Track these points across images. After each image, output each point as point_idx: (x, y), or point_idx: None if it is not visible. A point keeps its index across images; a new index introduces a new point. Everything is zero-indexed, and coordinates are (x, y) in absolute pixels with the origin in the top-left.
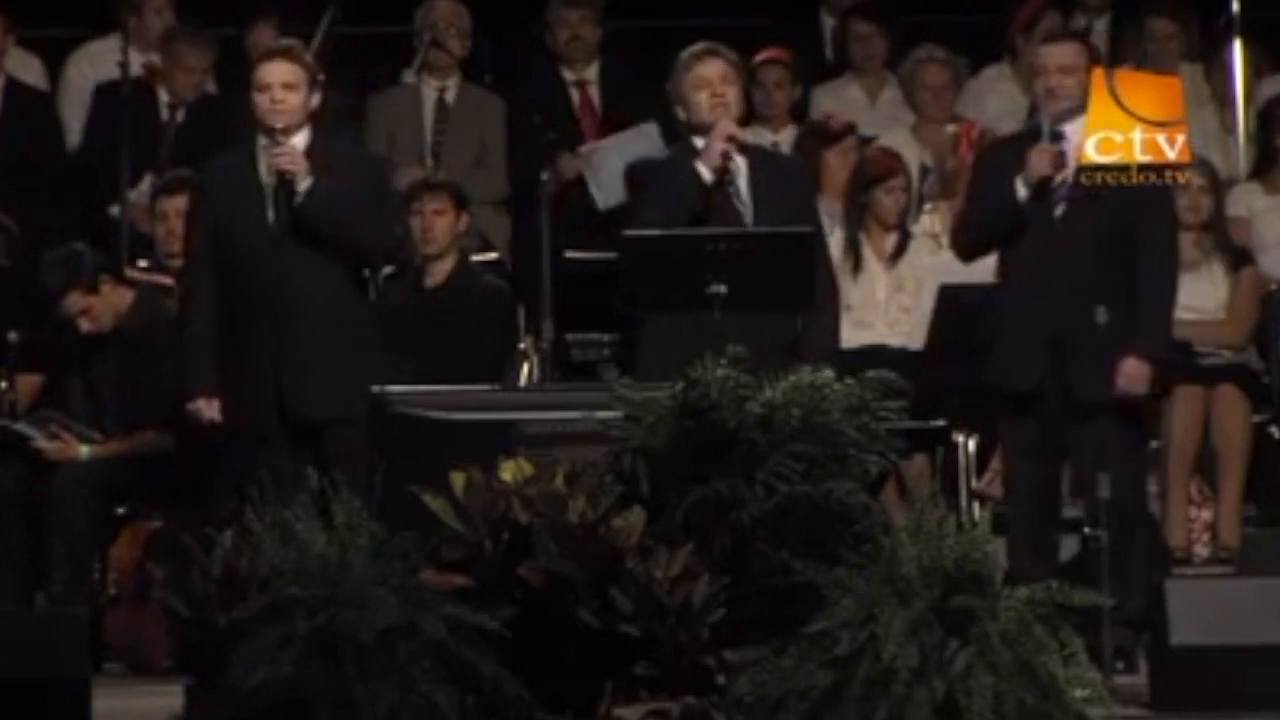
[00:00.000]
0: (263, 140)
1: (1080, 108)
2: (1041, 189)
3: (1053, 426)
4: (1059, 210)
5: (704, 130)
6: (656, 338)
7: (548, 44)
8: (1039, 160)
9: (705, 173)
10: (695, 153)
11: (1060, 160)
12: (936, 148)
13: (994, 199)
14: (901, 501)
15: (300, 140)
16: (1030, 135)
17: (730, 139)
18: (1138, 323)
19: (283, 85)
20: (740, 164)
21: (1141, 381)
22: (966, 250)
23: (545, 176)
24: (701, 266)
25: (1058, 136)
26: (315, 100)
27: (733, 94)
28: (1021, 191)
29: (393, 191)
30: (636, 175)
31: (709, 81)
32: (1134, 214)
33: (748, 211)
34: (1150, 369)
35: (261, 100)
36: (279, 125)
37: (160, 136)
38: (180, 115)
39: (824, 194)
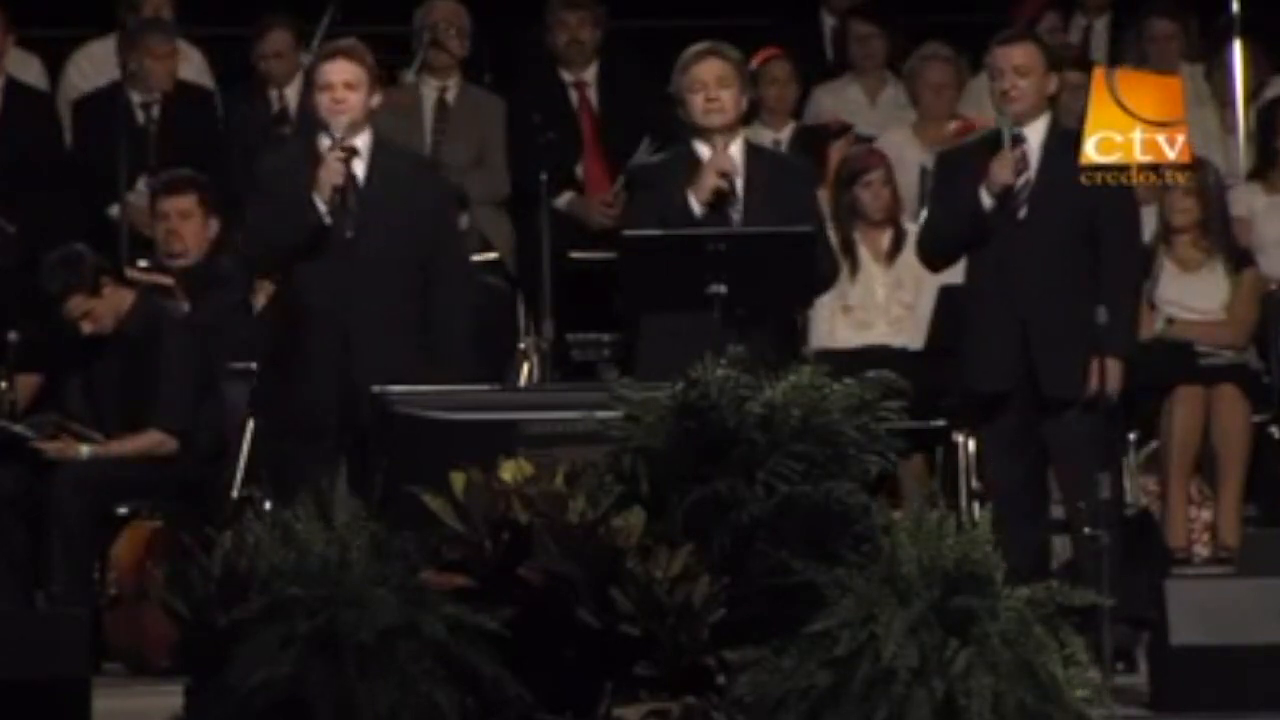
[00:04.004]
0: (325, 141)
1: (1037, 109)
2: (1005, 195)
3: (1029, 425)
4: (1022, 212)
5: (701, 133)
6: (653, 338)
7: (547, 45)
8: (1001, 170)
9: (696, 206)
10: (694, 158)
11: (1021, 164)
12: (940, 145)
13: (958, 209)
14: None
15: (361, 142)
16: (989, 140)
17: (723, 175)
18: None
19: (345, 85)
20: (737, 181)
21: (1113, 380)
22: (933, 260)
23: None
24: (701, 266)
25: (1017, 139)
26: (376, 100)
27: (729, 96)
28: (986, 201)
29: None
30: (634, 178)
31: (704, 84)
32: (1096, 213)
33: (739, 216)
34: (1121, 367)
35: (323, 99)
36: (341, 125)
37: (143, 140)
38: (155, 113)
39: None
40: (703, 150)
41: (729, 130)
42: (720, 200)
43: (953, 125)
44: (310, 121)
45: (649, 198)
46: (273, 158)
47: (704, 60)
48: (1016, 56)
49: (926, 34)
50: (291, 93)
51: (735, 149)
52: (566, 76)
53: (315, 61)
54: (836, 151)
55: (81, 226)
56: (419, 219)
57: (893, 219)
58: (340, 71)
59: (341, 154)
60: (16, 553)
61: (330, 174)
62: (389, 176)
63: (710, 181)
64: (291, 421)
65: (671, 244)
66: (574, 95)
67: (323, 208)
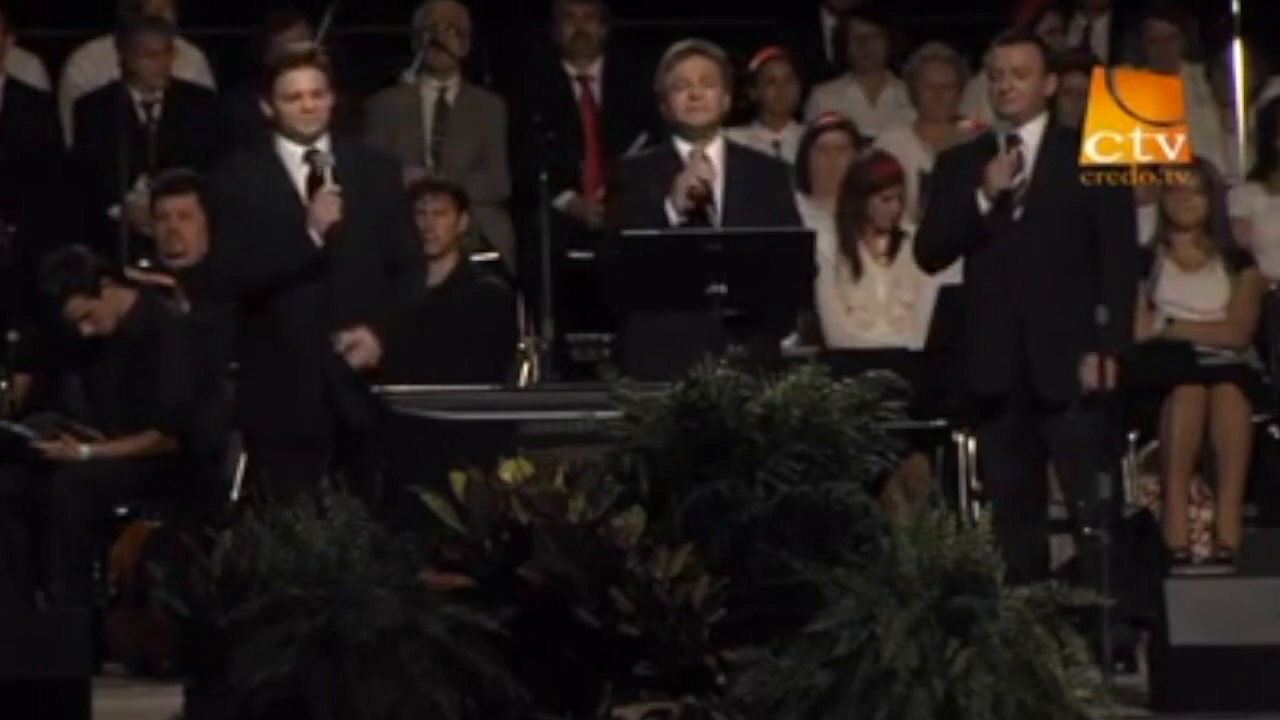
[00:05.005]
0: (297, 149)
1: (1034, 109)
2: (1001, 198)
3: (1027, 426)
4: (1018, 213)
5: (682, 131)
6: (639, 341)
7: (553, 38)
8: (998, 174)
9: (672, 215)
10: (675, 156)
11: (1017, 166)
12: (941, 145)
13: (954, 212)
14: (906, 500)
15: (322, 145)
16: (986, 142)
17: (701, 181)
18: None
19: (313, 93)
20: (716, 190)
21: (1108, 378)
22: (929, 262)
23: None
24: (701, 266)
25: (1014, 140)
26: (333, 101)
27: (713, 95)
28: (983, 205)
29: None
30: (618, 173)
31: (688, 82)
32: (1093, 213)
33: (717, 217)
34: (1116, 366)
35: (292, 109)
36: (311, 132)
37: (144, 139)
38: (155, 112)
39: (814, 193)
40: (684, 148)
41: (711, 129)
42: (697, 207)
43: (967, 123)
44: (273, 129)
45: (630, 197)
46: (227, 176)
47: (688, 58)
48: (1015, 57)
49: (926, 34)
50: None
51: (715, 149)
52: (571, 70)
53: (275, 68)
54: (821, 154)
55: (81, 226)
56: (386, 216)
57: (895, 225)
58: (309, 79)
59: (336, 189)
60: (16, 553)
61: (328, 212)
62: (354, 178)
63: (686, 189)
64: (282, 430)
65: (671, 244)
66: (577, 89)
67: (319, 241)
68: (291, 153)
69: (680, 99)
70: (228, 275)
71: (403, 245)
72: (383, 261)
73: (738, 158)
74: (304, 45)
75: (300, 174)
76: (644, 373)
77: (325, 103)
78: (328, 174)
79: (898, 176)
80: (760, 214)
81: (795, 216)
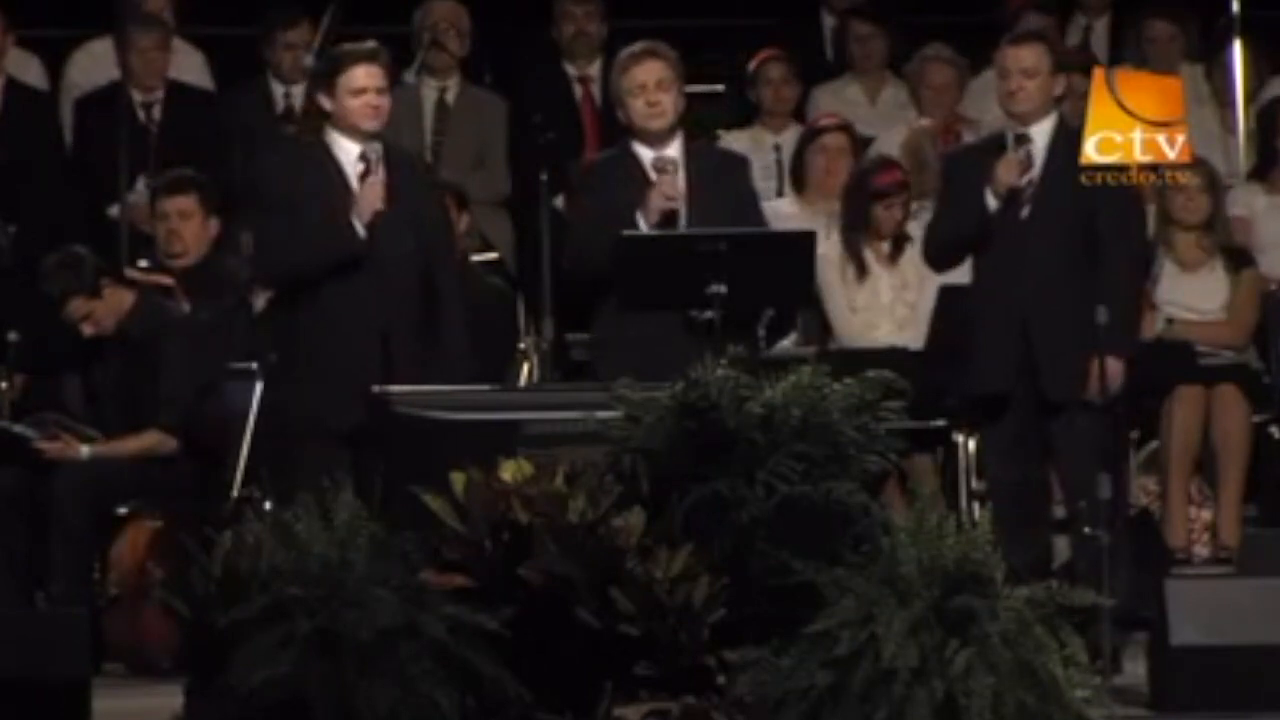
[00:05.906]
0: (352, 145)
1: (1043, 109)
2: (1010, 197)
3: (1030, 427)
4: (1025, 212)
5: (640, 135)
6: (606, 344)
7: (553, 37)
8: (1006, 172)
9: (643, 226)
10: (634, 160)
11: (1026, 165)
12: (912, 144)
13: (963, 211)
14: (904, 500)
15: (373, 148)
16: (995, 141)
17: (669, 197)
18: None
19: (378, 90)
20: (680, 195)
21: (1113, 380)
22: (938, 261)
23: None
24: (700, 266)
25: (1022, 140)
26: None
27: (669, 99)
28: (991, 203)
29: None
30: (585, 175)
31: (644, 86)
32: (1099, 212)
33: (683, 220)
34: (1122, 367)
35: (357, 104)
36: (373, 129)
37: (144, 139)
38: (156, 112)
39: (808, 193)
40: (644, 154)
41: (669, 132)
42: (667, 221)
43: (925, 122)
44: (326, 124)
45: (594, 200)
46: (276, 167)
47: (643, 62)
48: (1024, 57)
49: (926, 34)
50: (299, 92)
51: (674, 149)
52: (571, 70)
53: (341, 64)
54: (816, 155)
55: (81, 226)
56: (426, 220)
57: (898, 231)
58: (376, 76)
59: (381, 178)
60: (16, 553)
61: (375, 198)
62: (399, 180)
63: (657, 205)
64: (317, 427)
65: (670, 244)
66: (577, 89)
67: (363, 232)
68: (346, 149)
69: (637, 105)
70: (276, 268)
71: (441, 255)
72: (422, 264)
73: (695, 156)
74: (369, 43)
75: (354, 170)
76: (611, 375)
77: (387, 101)
78: (376, 161)
79: (901, 185)
80: (722, 207)
81: (756, 205)
